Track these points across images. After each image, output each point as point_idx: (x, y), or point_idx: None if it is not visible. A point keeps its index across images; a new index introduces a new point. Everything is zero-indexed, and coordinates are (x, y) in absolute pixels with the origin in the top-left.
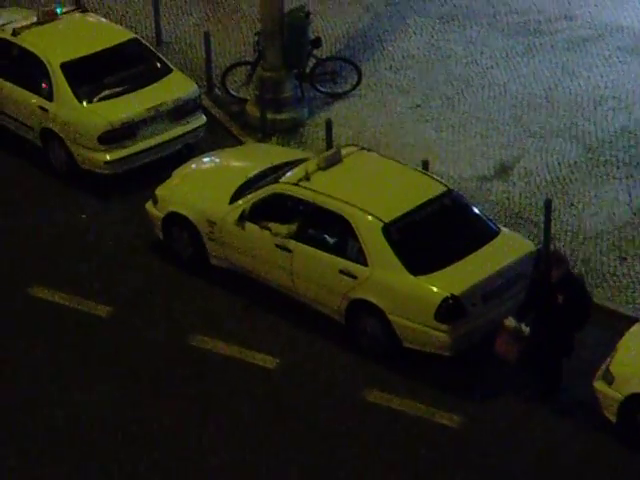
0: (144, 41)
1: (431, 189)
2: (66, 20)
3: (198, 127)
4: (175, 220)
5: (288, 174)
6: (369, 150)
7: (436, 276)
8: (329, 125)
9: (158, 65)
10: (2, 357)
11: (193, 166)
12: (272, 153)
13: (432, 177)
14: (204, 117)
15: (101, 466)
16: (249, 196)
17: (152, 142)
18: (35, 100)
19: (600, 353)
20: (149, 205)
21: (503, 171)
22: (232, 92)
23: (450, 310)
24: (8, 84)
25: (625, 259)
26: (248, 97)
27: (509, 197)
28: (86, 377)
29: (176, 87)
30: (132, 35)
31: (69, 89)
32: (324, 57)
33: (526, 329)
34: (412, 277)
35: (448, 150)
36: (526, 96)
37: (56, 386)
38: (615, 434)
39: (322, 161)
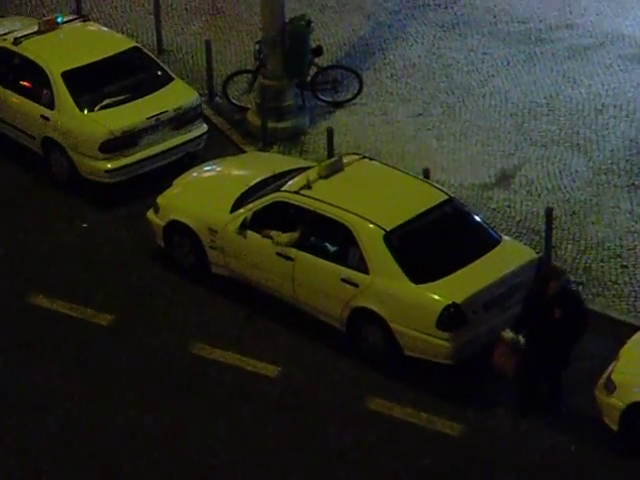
0: (145, 49)
1: (432, 197)
2: (67, 29)
3: (199, 136)
4: (176, 228)
5: (289, 182)
6: (370, 158)
7: (438, 284)
8: (330, 133)
9: (159, 73)
10: (2, 366)
11: (194, 174)
12: (273, 161)
13: (433, 185)
14: (205, 126)
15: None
16: (250, 204)
17: (153, 151)
18: (36, 109)
19: (601, 362)
20: (150, 213)
21: (504, 179)
22: (233, 100)
23: (452, 318)
24: (9, 93)
25: (626, 267)
26: (249, 105)
27: (510, 205)
28: (87, 384)
29: (177, 95)
30: (133, 43)
31: (70, 98)
32: (325, 66)
33: (523, 341)
34: (413, 285)
35: (449, 158)
36: (527, 104)
37: (57, 393)
38: (616, 443)
39: (323, 169)
